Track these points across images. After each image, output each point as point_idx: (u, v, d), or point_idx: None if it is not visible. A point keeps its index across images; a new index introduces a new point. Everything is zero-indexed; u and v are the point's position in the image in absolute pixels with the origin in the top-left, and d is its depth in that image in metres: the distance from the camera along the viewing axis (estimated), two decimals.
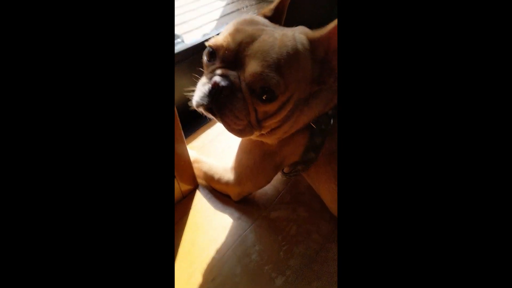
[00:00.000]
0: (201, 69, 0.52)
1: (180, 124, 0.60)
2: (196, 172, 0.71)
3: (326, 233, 0.60)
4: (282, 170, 0.62)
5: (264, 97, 0.44)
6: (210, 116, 0.48)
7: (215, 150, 0.81)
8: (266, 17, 0.54)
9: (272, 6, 0.55)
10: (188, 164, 0.67)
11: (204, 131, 0.87)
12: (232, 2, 1.96)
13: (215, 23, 1.73)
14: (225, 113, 0.45)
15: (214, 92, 0.44)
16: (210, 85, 0.45)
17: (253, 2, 1.89)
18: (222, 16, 1.80)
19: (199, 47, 0.86)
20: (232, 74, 0.45)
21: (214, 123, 0.89)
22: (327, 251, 0.57)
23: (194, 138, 0.84)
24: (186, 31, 1.63)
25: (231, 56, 0.45)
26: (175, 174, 0.64)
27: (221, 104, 0.45)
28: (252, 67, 0.43)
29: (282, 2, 0.55)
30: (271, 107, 0.46)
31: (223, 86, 0.44)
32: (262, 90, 0.44)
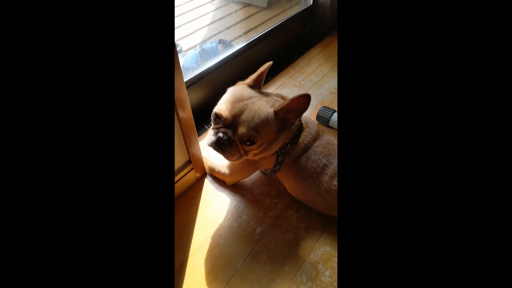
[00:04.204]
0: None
1: (196, 130, 0.95)
2: (204, 165, 1.07)
3: (287, 203, 0.99)
4: (262, 171, 0.98)
5: (248, 143, 0.75)
6: (215, 151, 0.79)
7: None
8: (249, 85, 0.82)
9: (254, 77, 0.83)
10: (200, 159, 1.03)
11: (205, 136, 1.21)
12: (223, 6, 2.19)
13: (206, 28, 1.96)
14: (225, 151, 0.77)
15: (218, 141, 0.76)
16: (215, 138, 0.76)
17: (241, 6, 2.15)
18: (213, 22, 2.04)
19: (210, 71, 1.23)
20: (229, 132, 0.75)
21: None
22: (287, 213, 0.96)
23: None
24: (182, 37, 1.80)
25: (228, 122, 0.75)
26: (193, 165, 0.99)
27: (223, 147, 0.77)
28: (242, 130, 0.73)
29: (260, 75, 0.83)
30: (252, 147, 0.77)
31: (224, 140, 0.75)
32: (248, 140, 0.75)
